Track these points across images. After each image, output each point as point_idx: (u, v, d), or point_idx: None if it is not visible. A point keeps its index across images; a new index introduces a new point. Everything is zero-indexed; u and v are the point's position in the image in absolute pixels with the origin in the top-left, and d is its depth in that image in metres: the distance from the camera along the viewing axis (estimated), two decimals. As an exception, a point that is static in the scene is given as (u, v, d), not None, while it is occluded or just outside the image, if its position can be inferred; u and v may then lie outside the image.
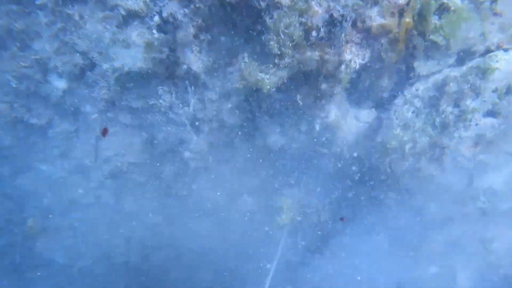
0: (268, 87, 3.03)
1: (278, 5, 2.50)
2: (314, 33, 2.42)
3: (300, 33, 2.44)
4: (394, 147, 3.35)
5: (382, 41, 2.57)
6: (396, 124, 3.18)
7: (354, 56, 2.70)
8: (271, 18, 2.59)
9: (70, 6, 3.77)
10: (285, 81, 2.92)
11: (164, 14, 3.34)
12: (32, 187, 4.98)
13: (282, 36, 2.45)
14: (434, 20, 2.47)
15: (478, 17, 2.43)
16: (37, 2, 3.74)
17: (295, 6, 2.43)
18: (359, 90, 3.00)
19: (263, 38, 2.74)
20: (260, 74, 2.99)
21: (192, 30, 3.31)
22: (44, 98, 4.39)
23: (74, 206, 5.19)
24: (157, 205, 5.10)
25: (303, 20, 2.39)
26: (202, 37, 3.38)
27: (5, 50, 4.08)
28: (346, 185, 4.31)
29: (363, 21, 2.61)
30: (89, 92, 4.27)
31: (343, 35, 2.45)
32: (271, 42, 2.68)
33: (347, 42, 2.58)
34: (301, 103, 3.27)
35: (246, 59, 3.00)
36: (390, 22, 2.51)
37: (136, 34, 3.80)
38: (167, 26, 3.38)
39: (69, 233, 5.41)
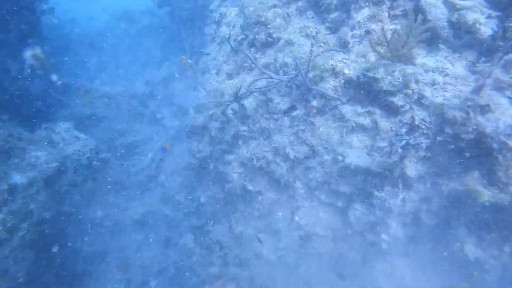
0: (485, 199, 3.90)
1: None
2: None
3: None
4: None
5: None
6: None
7: None
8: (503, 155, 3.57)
9: (313, 116, 5.43)
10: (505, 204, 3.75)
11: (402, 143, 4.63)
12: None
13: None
14: None
15: None
16: (291, 113, 5.51)
17: None
18: None
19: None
20: (481, 187, 3.94)
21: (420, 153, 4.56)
22: (268, 173, 5.93)
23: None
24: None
25: None
26: (421, 153, 4.57)
27: (254, 139, 5.90)
28: None
29: None
30: (305, 174, 5.67)
31: None
32: (499, 172, 3.60)
33: None
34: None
35: (476, 175, 4.00)
36: None
37: (356, 139, 5.21)
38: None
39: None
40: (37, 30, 10.36)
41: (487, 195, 3.93)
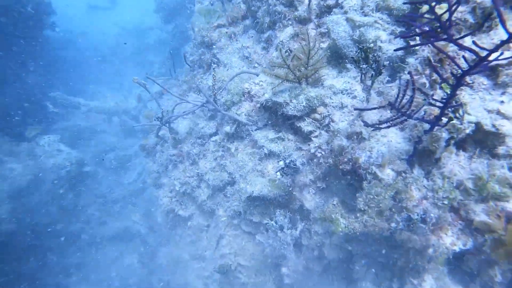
0: (340, 229, 3.41)
1: (379, 179, 3.05)
2: (393, 225, 2.80)
3: (388, 205, 2.85)
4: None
5: (486, 237, 2.74)
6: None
7: (454, 239, 2.91)
8: (369, 183, 3.09)
9: (231, 142, 5.21)
10: (357, 234, 3.25)
11: (288, 161, 4.27)
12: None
13: (371, 199, 2.91)
14: None
15: None
16: (210, 138, 5.33)
17: (394, 185, 2.93)
18: (463, 270, 3.07)
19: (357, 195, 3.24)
20: (337, 215, 3.45)
21: (311, 177, 4.16)
22: (194, 199, 5.80)
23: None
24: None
25: (397, 198, 2.84)
26: (318, 184, 4.15)
27: (182, 164, 5.80)
28: None
29: (467, 212, 2.88)
30: (225, 201, 5.45)
31: (429, 227, 2.74)
32: (359, 199, 3.10)
33: (443, 226, 2.85)
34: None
35: (335, 202, 3.52)
36: (496, 223, 2.70)
37: (271, 167, 4.89)
38: (289, 170, 4.28)
39: None
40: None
41: (341, 225, 3.45)
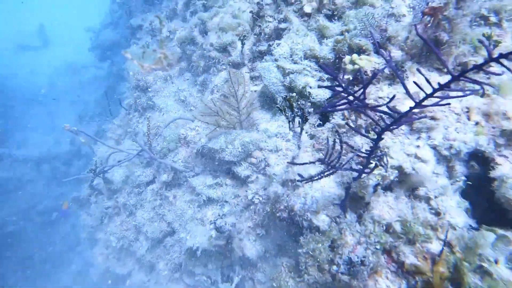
0: None
1: (316, 228, 3.03)
2: (335, 268, 2.80)
3: (326, 257, 2.84)
4: None
5: (417, 279, 2.83)
6: None
7: (389, 283, 2.95)
8: (305, 237, 3.05)
9: (168, 190, 4.95)
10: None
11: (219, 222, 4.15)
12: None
13: (309, 257, 2.87)
14: (475, 280, 2.69)
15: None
16: (148, 187, 5.03)
17: (329, 233, 2.93)
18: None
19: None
20: (287, 278, 3.36)
21: (250, 224, 4.06)
22: (132, 253, 5.32)
23: None
24: None
25: (334, 246, 2.84)
26: (258, 231, 4.06)
27: (118, 216, 5.35)
28: None
29: (398, 254, 2.97)
30: (165, 253, 5.09)
31: (367, 271, 2.78)
32: (300, 257, 3.04)
33: (378, 270, 2.90)
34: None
35: (285, 263, 3.45)
36: (424, 265, 2.81)
37: (211, 213, 4.70)
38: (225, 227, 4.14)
39: None
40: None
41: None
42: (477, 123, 3.34)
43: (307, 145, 3.81)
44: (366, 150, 2.68)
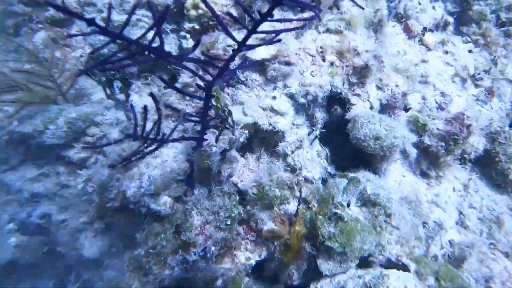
0: None
1: (157, 216, 2.44)
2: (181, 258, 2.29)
3: (173, 248, 2.32)
4: None
5: (275, 243, 2.58)
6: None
7: (249, 254, 2.65)
8: (143, 231, 2.41)
9: None
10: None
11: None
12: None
13: (152, 254, 2.31)
14: (329, 228, 2.56)
15: (374, 231, 2.59)
16: None
17: (172, 217, 2.38)
18: (265, 276, 2.90)
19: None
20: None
21: (85, 219, 3.26)
22: None
23: None
24: None
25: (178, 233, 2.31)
26: (96, 225, 3.30)
27: None
28: None
29: (256, 222, 2.65)
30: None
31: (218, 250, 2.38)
32: (141, 258, 2.36)
33: (235, 244, 2.54)
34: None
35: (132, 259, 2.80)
36: (281, 228, 2.56)
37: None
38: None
39: None
40: None
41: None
42: (332, 63, 3.14)
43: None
44: (196, 112, 2.16)
